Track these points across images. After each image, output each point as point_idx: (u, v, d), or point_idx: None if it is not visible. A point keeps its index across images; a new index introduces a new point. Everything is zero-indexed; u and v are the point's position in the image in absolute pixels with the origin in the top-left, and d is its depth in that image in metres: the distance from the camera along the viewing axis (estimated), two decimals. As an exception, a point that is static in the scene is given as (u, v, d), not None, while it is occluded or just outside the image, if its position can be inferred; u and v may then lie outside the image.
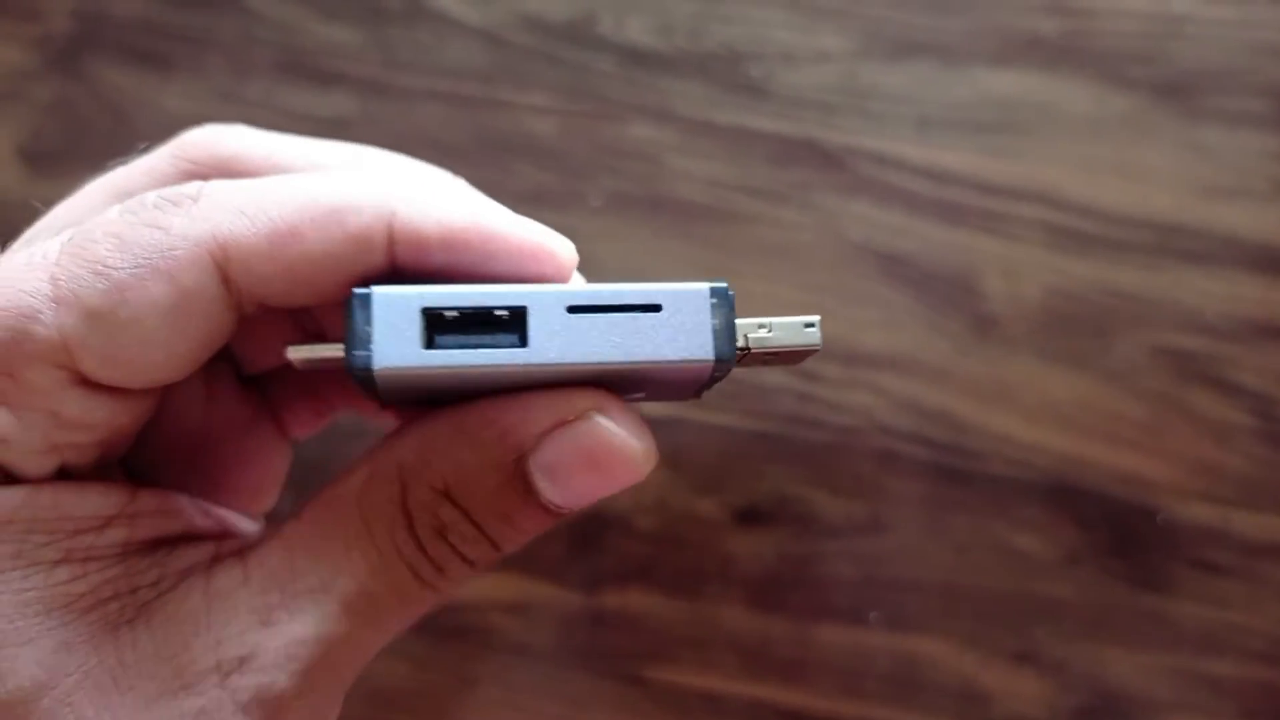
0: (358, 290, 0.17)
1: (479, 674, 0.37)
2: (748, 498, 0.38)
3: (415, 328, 0.17)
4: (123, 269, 0.16)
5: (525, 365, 0.17)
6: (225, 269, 0.17)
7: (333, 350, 0.17)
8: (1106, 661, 0.37)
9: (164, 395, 0.19)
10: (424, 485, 0.18)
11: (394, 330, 0.17)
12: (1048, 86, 0.40)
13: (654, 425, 0.18)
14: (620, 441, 0.18)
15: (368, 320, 0.16)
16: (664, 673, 0.37)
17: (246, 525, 0.21)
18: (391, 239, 0.17)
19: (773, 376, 0.39)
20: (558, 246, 0.18)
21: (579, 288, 0.18)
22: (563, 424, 0.18)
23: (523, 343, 0.17)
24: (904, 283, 0.39)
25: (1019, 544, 0.37)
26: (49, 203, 0.40)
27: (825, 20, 0.41)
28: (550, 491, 0.18)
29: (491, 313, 0.17)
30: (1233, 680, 0.36)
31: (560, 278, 0.18)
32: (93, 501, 0.18)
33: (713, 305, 0.18)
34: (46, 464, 0.18)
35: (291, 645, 0.17)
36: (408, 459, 0.18)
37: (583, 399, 0.18)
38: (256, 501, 0.24)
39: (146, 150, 0.23)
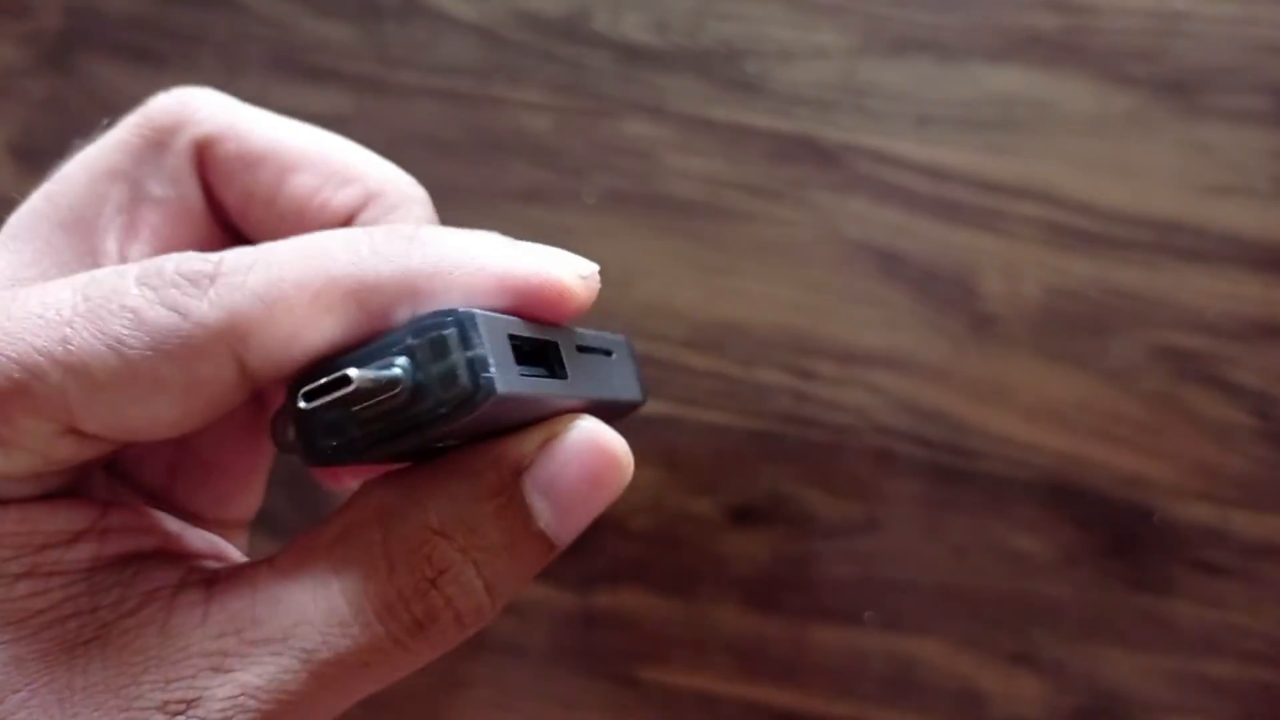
0: (460, 310, 0.16)
1: (471, 675, 0.37)
2: (743, 497, 0.38)
3: (509, 354, 0.17)
4: (137, 349, 0.16)
5: (574, 397, 0.18)
6: (243, 357, 0.17)
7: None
8: (1104, 662, 0.36)
9: None
10: (413, 525, 0.17)
11: (497, 354, 0.16)
12: (1047, 84, 0.40)
13: (650, 425, 0.18)
14: (608, 442, 0.18)
15: (480, 343, 0.16)
16: (658, 673, 0.37)
17: (225, 547, 0.21)
18: (413, 310, 0.17)
19: (769, 375, 0.38)
20: (579, 294, 0.18)
21: (576, 329, 0.18)
22: (554, 438, 0.18)
23: (561, 375, 0.18)
24: (902, 281, 0.39)
25: (1016, 544, 0.37)
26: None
27: (823, 17, 0.41)
28: (546, 514, 0.18)
29: (524, 346, 0.17)
30: (1232, 681, 0.36)
31: (575, 302, 0.19)
32: (63, 517, 0.18)
33: (632, 354, 0.20)
34: (26, 491, 0.18)
35: (241, 697, 0.17)
36: (390, 503, 0.18)
37: (567, 417, 0.18)
38: (243, 496, 0.24)
39: (111, 125, 0.23)
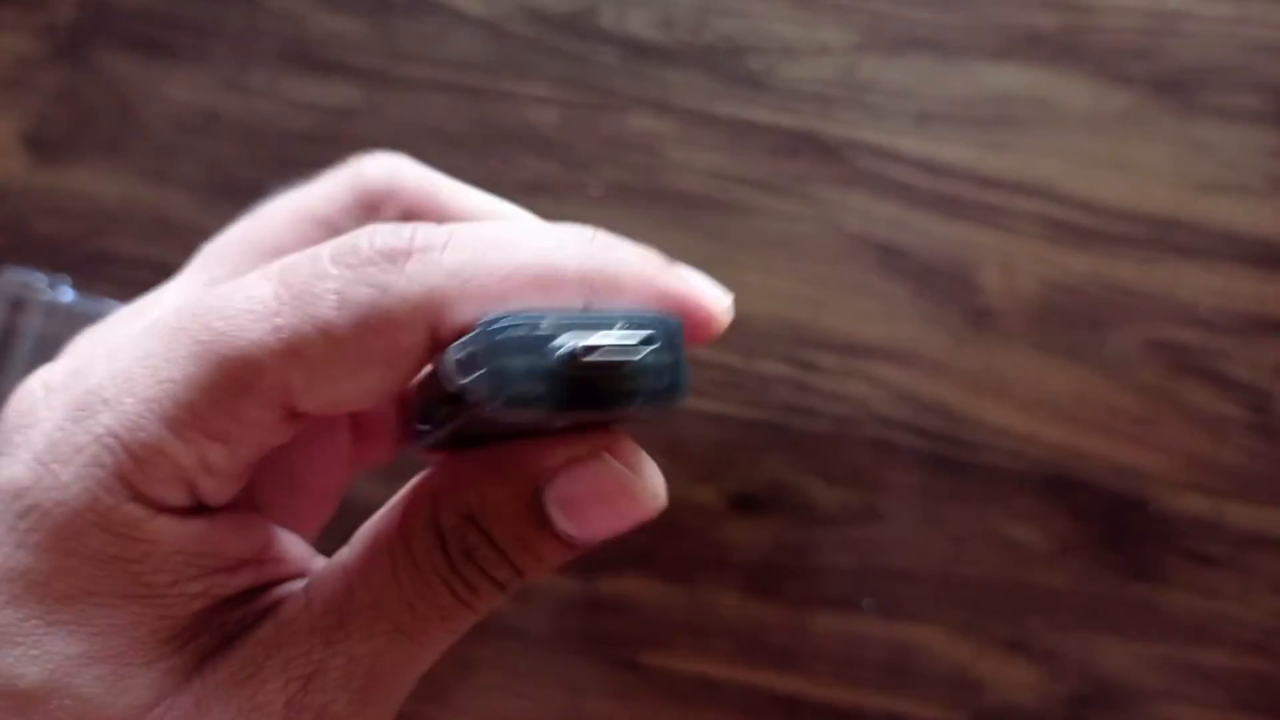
0: (672, 317, 0.18)
1: (477, 658, 0.37)
2: (744, 486, 0.38)
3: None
4: (344, 327, 0.17)
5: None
6: (437, 330, 0.18)
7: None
8: (1099, 650, 0.37)
9: None
10: (452, 510, 0.19)
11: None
12: (1046, 82, 0.40)
13: None
14: (626, 479, 0.19)
15: (682, 350, 0.18)
16: (660, 659, 0.37)
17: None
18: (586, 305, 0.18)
19: (770, 366, 0.39)
20: (722, 323, 0.20)
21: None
22: (576, 461, 0.19)
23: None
24: (901, 275, 0.39)
25: (1013, 534, 0.38)
26: (53, 191, 0.41)
27: (826, 14, 0.41)
28: (564, 523, 0.19)
29: None
30: (1224, 670, 0.37)
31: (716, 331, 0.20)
32: (243, 543, 0.19)
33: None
34: (232, 491, 0.19)
35: (350, 664, 0.18)
36: (440, 487, 0.19)
37: (597, 440, 0.19)
38: (320, 519, 0.25)
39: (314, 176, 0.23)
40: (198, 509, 0.19)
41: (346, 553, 0.19)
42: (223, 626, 0.19)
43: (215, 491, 0.18)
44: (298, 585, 0.19)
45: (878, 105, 0.41)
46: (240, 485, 0.19)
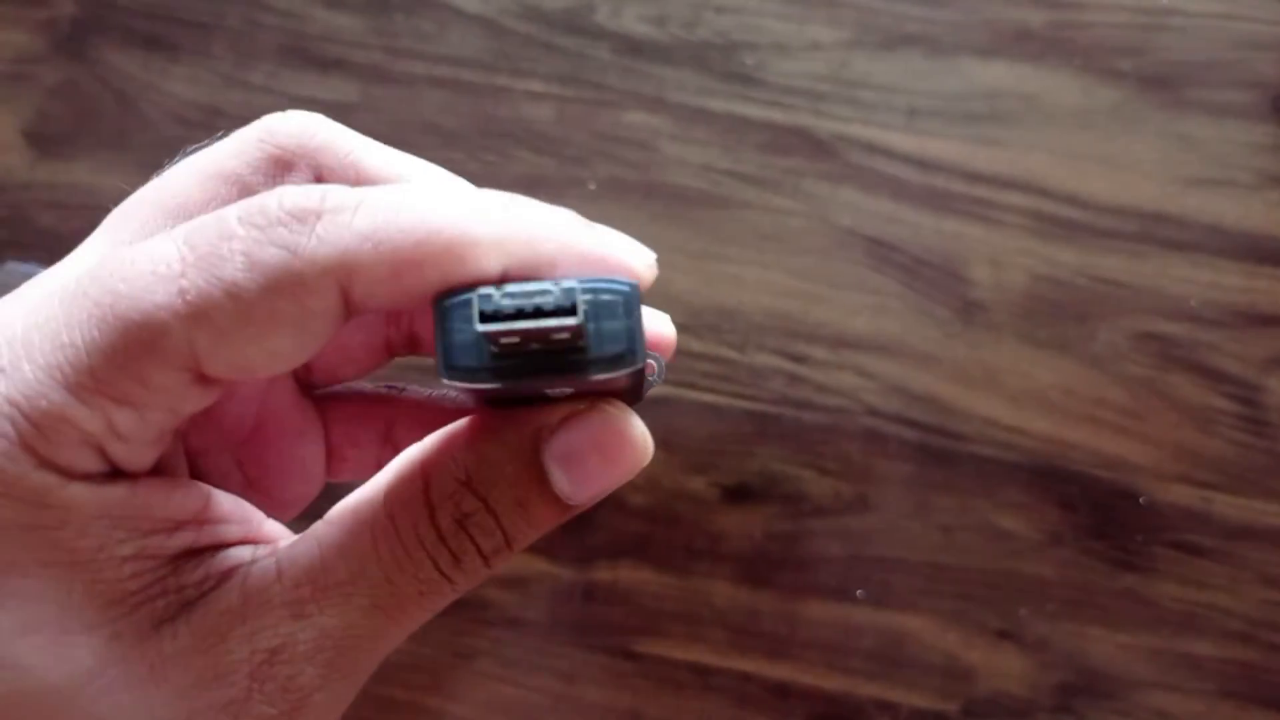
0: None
1: (473, 647, 0.38)
2: (738, 476, 0.38)
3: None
4: (252, 290, 0.17)
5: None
6: (348, 293, 0.17)
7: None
8: (1087, 640, 0.37)
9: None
10: (448, 476, 0.19)
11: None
12: (1035, 78, 0.41)
13: (647, 406, 0.20)
14: (625, 426, 0.19)
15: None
16: (654, 647, 0.38)
17: (287, 531, 0.22)
18: (504, 270, 0.18)
19: (763, 359, 0.39)
20: (647, 280, 0.19)
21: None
22: (575, 414, 0.19)
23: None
24: (892, 268, 0.40)
25: (1003, 524, 0.38)
26: (53, 185, 0.41)
27: (818, 11, 0.42)
28: (562, 481, 0.19)
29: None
30: (1211, 659, 0.37)
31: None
32: (175, 504, 0.19)
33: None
34: (150, 456, 0.19)
35: (320, 638, 0.18)
36: (431, 457, 0.19)
37: (592, 398, 0.19)
38: (290, 500, 0.25)
39: (226, 134, 0.23)
40: (115, 474, 0.18)
41: (321, 527, 0.19)
42: (179, 591, 0.18)
43: (130, 457, 0.18)
44: (263, 551, 0.19)
45: (868, 101, 0.41)
46: (159, 450, 0.19)
